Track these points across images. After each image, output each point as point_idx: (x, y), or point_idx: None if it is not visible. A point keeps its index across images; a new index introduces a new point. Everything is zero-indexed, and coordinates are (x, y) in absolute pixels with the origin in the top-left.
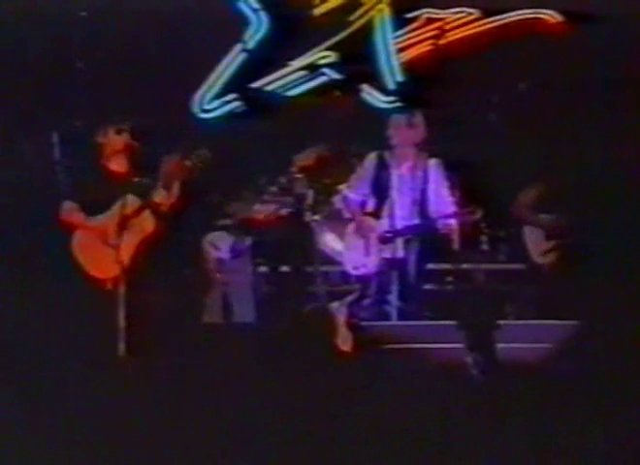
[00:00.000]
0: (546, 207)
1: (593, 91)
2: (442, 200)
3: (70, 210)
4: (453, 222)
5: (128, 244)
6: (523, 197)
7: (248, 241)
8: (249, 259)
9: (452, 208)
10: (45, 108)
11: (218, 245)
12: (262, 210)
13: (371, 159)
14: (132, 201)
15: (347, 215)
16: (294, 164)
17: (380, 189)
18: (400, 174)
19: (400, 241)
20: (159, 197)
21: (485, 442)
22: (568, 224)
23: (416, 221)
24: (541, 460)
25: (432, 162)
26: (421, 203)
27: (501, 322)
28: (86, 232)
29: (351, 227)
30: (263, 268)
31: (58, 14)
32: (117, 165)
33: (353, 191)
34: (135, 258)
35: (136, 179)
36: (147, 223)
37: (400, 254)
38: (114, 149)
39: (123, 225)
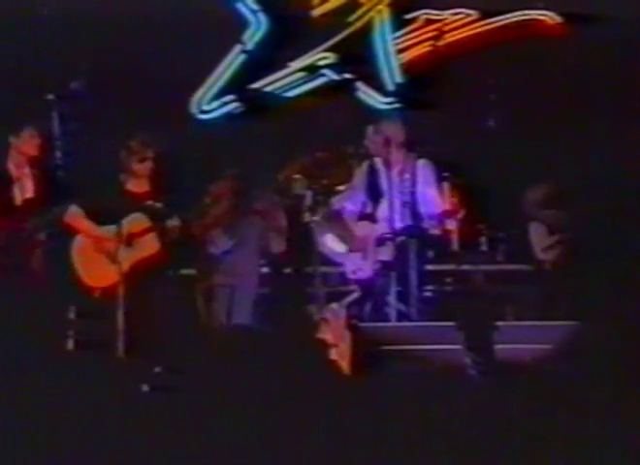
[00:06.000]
0: (551, 204)
1: (592, 92)
2: (430, 200)
3: (75, 215)
4: (442, 222)
5: (126, 259)
6: (531, 192)
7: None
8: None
9: (439, 208)
10: (44, 108)
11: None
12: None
13: (363, 167)
14: (141, 220)
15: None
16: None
17: (375, 194)
18: (389, 178)
19: (395, 244)
20: (171, 223)
21: (485, 442)
22: (569, 222)
23: (408, 223)
24: (541, 460)
25: (421, 163)
26: (412, 205)
27: (501, 323)
28: (88, 238)
29: (351, 231)
30: (264, 270)
31: (59, 13)
32: (135, 187)
33: (350, 201)
34: (131, 272)
35: (149, 202)
36: (152, 245)
37: (397, 256)
38: (136, 174)
39: (127, 241)
